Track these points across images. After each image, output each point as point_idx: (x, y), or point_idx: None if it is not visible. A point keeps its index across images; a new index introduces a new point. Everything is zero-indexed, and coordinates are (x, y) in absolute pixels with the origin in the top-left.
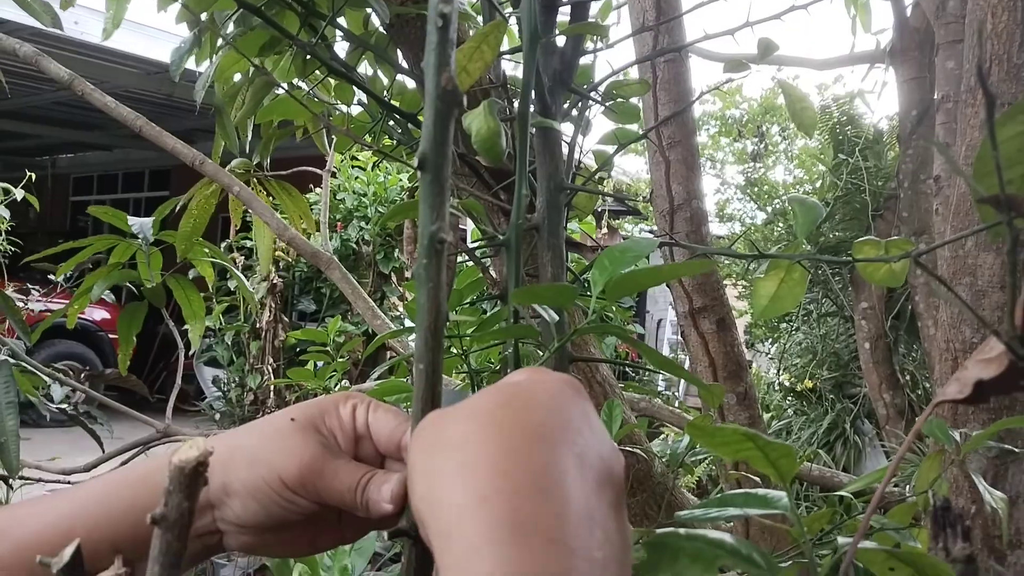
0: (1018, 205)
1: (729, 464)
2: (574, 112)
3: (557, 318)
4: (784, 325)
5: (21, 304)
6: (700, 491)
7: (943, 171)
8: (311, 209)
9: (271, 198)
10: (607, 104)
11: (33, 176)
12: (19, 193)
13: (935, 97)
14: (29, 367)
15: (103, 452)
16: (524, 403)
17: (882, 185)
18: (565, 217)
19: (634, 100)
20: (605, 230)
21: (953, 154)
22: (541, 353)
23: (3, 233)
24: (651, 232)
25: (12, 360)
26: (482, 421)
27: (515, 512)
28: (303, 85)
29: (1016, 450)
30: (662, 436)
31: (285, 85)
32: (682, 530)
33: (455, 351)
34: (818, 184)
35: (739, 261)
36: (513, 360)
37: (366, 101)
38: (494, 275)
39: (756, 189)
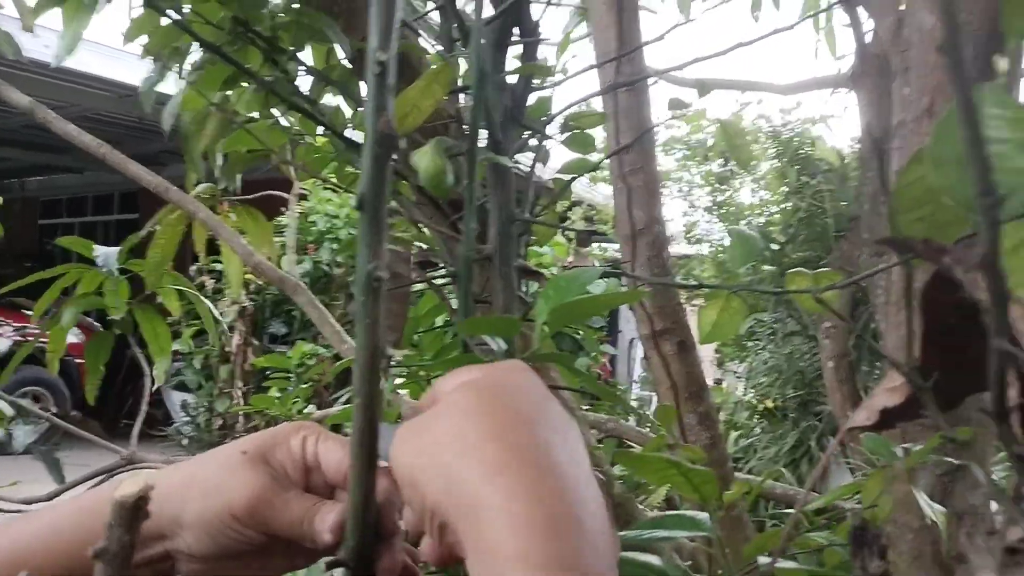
0: (912, 247)
1: None
2: (532, 142)
3: (505, 347)
4: (751, 344)
5: None
6: (671, 507)
7: None
8: (280, 232)
9: (232, 217)
10: (563, 136)
11: (1, 199)
12: None
13: (894, 122)
14: None
15: (60, 483)
16: (496, 393)
17: (846, 206)
18: (518, 246)
19: (593, 130)
20: (572, 255)
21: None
22: None
23: None
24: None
25: None
26: (470, 413)
27: (528, 480)
28: (275, 111)
29: (960, 463)
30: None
31: (253, 114)
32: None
33: (422, 374)
34: (783, 206)
35: (707, 280)
36: None
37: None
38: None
39: (723, 211)
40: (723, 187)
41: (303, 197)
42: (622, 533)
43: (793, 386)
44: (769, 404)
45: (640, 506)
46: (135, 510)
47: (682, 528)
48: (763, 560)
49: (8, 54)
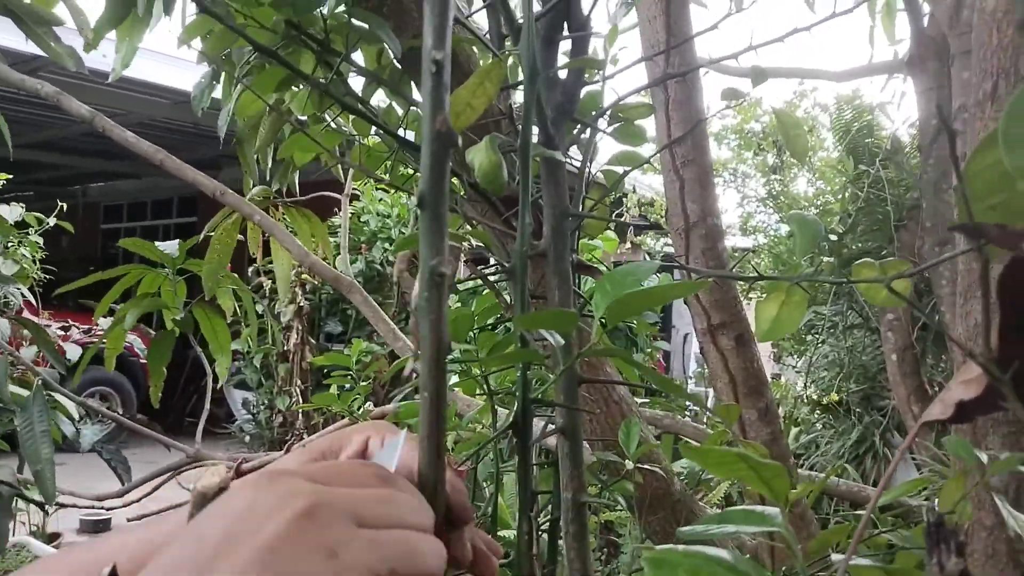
0: (987, 232)
1: None
2: (583, 136)
3: (563, 342)
4: (810, 338)
5: (60, 335)
6: (729, 505)
7: None
8: (333, 234)
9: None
10: (612, 129)
11: (64, 206)
12: (52, 221)
13: (953, 107)
14: (61, 397)
15: (123, 484)
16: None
17: (905, 195)
18: (572, 242)
19: (643, 122)
20: (628, 245)
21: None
22: (552, 376)
23: (37, 262)
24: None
25: (45, 390)
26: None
27: None
28: (326, 115)
29: None
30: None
31: (305, 116)
32: (681, 547)
33: (475, 371)
34: (840, 196)
35: (764, 272)
36: (521, 383)
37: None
38: (508, 299)
39: (778, 201)
40: (778, 177)
41: (355, 198)
42: (684, 529)
43: (855, 380)
44: (834, 397)
45: (700, 504)
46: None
47: (751, 523)
48: (836, 557)
49: (71, 67)
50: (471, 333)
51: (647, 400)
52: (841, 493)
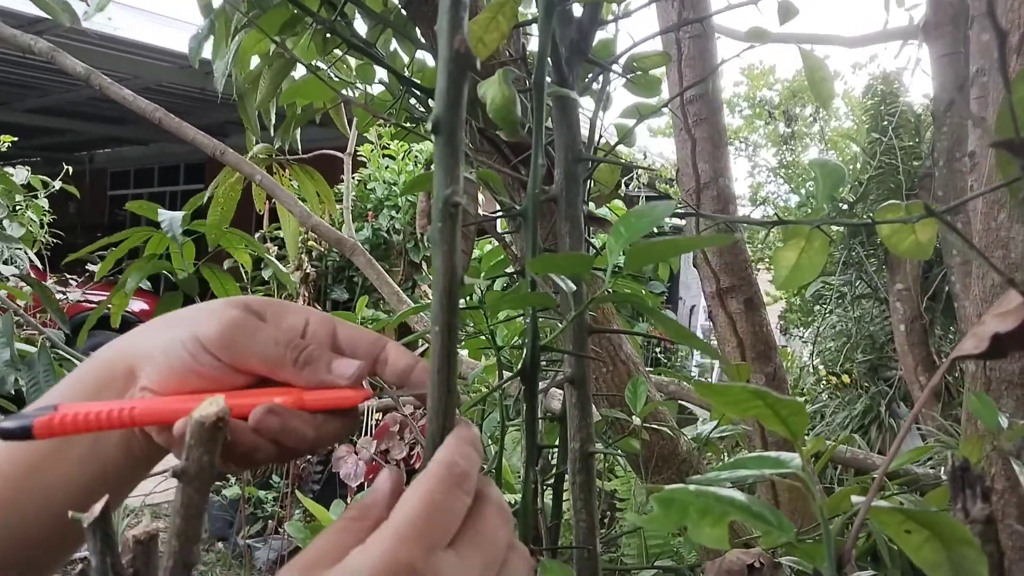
0: None
1: (760, 442)
2: (595, 86)
3: (575, 288)
4: (818, 308)
5: (60, 296)
6: None
7: (978, 147)
8: (340, 201)
9: (294, 183)
10: (628, 76)
11: (71, 169)
12: (57, 184)
13: (970, 71)
14: (67, 356)
15: None
16: None
17: (917, 164)
18: (584, 189)
19: (658, 73)
20: None
21: (987, 126)
22: (560, 324)
23: (45, 226)
24: (683, 219)
25: (51, 348)
26: None
27: None
28: (323, 67)
29: None
30: (700, 421)
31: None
32: (692, 486)
33: (479, 331)
34: (851, 166)
35: (771, 246)
36: (531, 330)
37: (387, 80)
38: (516, 252)
39: (788, 172)
40: (789, 147)
41: (361, 164)
42: (694, 477)
43: (862, 351)
44: (846, 379)
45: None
46: (214, 430)
47: (766, 467)
48: (857, 499)
49: (66, 22)
50: (478, 288)
51: (651, 368)
52: (847, 461)
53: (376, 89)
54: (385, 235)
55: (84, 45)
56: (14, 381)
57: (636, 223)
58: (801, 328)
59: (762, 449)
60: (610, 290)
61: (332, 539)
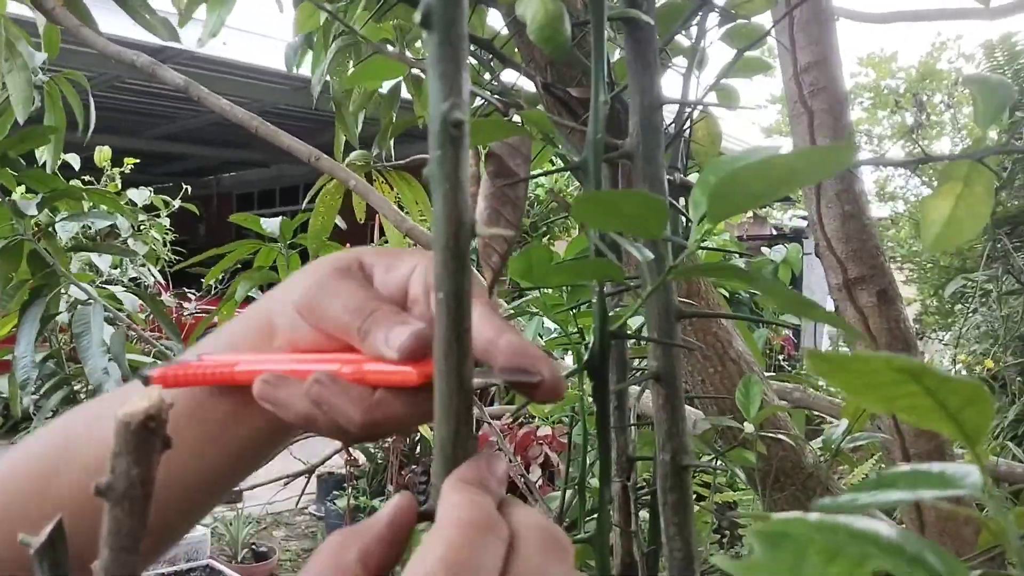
0: None
1: (900, 454)
2: (686, 42)
3: (651, 255)
4: (959, 307)
5: (186, 309)
6: None
7: None
8: None
9: (392, 190)
10: (729, 15)
11: (188, 189)
12: (176, 203)
13: None
14: None
15: None
16: None
17: None
18: (677, 150)
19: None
20: (751, 215)
21: None
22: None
23: (167, 244)
24: (804, 219)
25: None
26: None
27: None
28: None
29: None
30: (830, 426)
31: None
32: (814, 515)
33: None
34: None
35: (903, 242)
36: (598, 312)
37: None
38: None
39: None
40: (918, 137)
41: None
42: (824, 500)
43: (1012, 352)
44: (989, 364)
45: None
46: (144, 432)
47: (928, 486)
48: None
49: (164, 37)
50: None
51: (772, 375)
52: (1002, 475)
53: None
54: None
55: (201, 71)
56: None
57: (729, 163)
58: (940, 331)
59: (903, 463)
60: (692, 261)
61: None
